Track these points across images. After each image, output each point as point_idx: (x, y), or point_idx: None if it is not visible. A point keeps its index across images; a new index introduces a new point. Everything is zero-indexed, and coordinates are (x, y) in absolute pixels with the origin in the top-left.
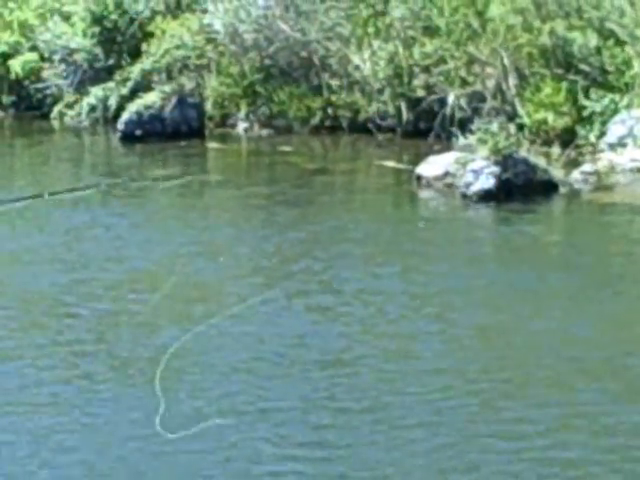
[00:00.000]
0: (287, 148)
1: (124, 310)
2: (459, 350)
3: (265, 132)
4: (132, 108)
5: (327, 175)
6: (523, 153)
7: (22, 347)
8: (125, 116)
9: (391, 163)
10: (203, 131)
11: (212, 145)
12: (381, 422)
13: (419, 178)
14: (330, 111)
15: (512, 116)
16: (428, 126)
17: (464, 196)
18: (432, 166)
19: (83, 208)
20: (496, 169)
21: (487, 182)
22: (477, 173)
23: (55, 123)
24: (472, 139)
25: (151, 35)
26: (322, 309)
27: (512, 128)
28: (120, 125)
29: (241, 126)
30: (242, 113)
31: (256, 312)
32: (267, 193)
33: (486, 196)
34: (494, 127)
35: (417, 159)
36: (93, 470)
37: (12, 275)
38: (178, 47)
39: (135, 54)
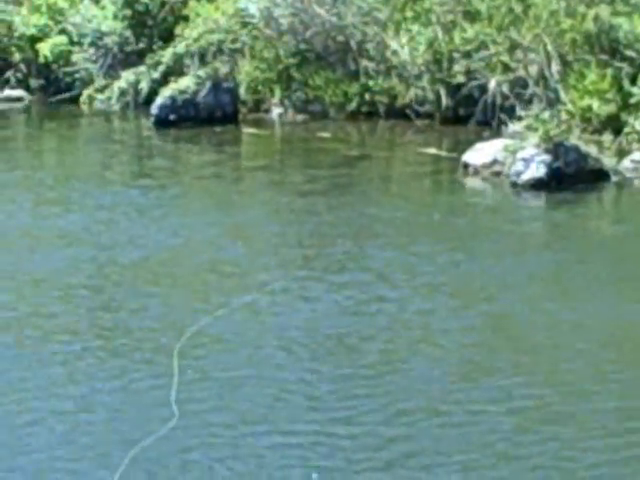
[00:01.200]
0: (325, 134)
1: (147, 290)
2: (488, 339)
3: (300, 118)
4: (166, 93)
5: (368, 162)
6: (574, 141)
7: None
8: (159, 101)
9: (432, 150)
10: (237, 116)
11: (248, 130)
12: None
13: (466, 166)
14: (367, 97)
15: (555, 103)
16: (468, 112)
17: (514, 185)
18: (479, 153)
19: (115, 187)
20: (547, 157)
21: (538, 171)
22: (527, 161)
23: (84, 107)
24: (519, 126)
25: (184, 19)
26: (355, 296)
27: (563, 115)
28: (154, 110)
29: (275, 111)
30: (276, 98)
31: (282, 295)
32: (307, 179)
33: (537, 185)
34: (545, 114)
35: (458, 146)
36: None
37: (35, 253)
38: (213, 31)
39: (167, 38)
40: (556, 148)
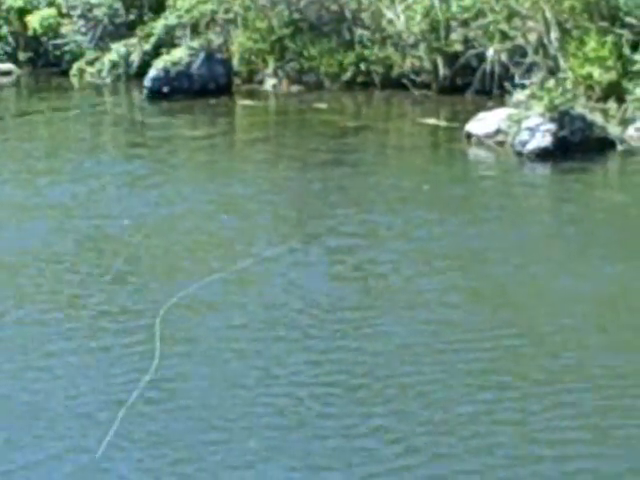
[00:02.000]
0: (321, 105)
1: (134, 259)
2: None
3: (295, 88)
4: (159, 65)
5: (368, 133)
6: (579, 109)
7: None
8: (152, 73)
9: (432, 120)
10: (231, 88)
11: (243, 102)
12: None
13: (469, 136)
14: (362, 66)
15: (554, 71)
16: (465, 82)
17: (519, 154)
18: (482, 123)
19: (106, 158)
20: (552, 126)
21: (543, 140)
22: (533, 131)
23: (75, 80)
24: (522, 95)
25: None
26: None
27: (568, 84)
28: (147, 82)
29: (269, 82)
30: (270, 69)
31: (271, 264)
32: (305, 151)
33: (542, 154)
34: (550, 83)
35: (458, 116)
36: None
37: (23, 223)
38: (205, 1)
39: (157, 9)
40: (561, 117)
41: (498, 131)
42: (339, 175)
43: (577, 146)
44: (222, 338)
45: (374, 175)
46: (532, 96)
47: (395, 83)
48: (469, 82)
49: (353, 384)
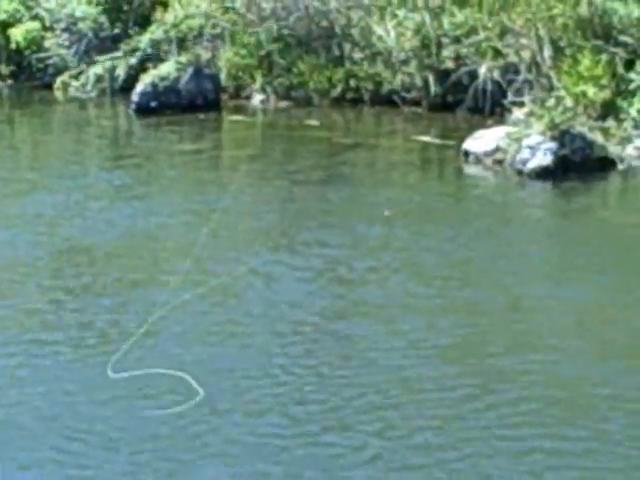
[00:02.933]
0: (312, 122)
1: (116, 270)
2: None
3: (283, 104)
4: (146, 79)
5: (361, 150)
6: (579, 128)
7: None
8: (139, 87)
9: (426, 138)
10: (219, 103)
11: (233, 117)
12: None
13: (466, 153)
14: (352, 83)
15: (548, 89)
16: (456, 99)
17: (519, 173)
18: (480, 141)
19: (93, 172)
20: (553, 145)
21: (545, 159)
22: (534, 149)
23: (58, 94)
24: (520, 113)
25: (160, 3)
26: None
27: (568, 102)
28: (134, 96)
29: (257, 98)
30: (257, 84)
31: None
32: (299, 169)
33: (543, 173)
34: (550, 101)
35: (452, 134)
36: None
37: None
38: (193, 16)
39: (142, 23)
40: (562, 135)
41: (497, 149)
42: (330, 191)
43: (577, 165)
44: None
45: (367, 192)
46: (531, 114)
47: (385, 100)
48: (460, 99)
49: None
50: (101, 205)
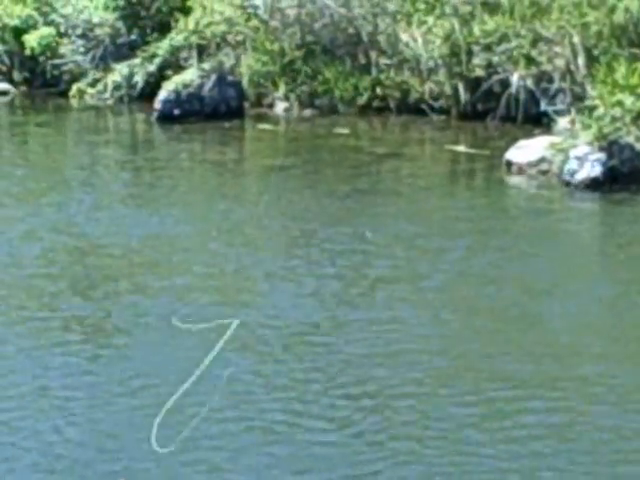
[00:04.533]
0: (343, 130)
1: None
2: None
3: (308, 112)
4: (169, 86)
5: (398, 160)
6: (628, 138)
7: None
8: (162, 95)
9: (461, 147)
10: (243, 111)
11: (260, 126)
12: None
13: (509, 164)
14: (378, 91)
15: (582, 97)
16: (487, 107)
17: (567, 184)
18: (524, 151)
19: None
20: (601, 156)
21: (593, 170)
22: (582, 160)
23: (74, 101)
24: (563, 122)
25: (179, 10)
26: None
27: (618, 112)
28: (157, 104)
29: (280, 106)
30: (280, 92)
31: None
32: (341, 179)
33: (592, 184)
34: (600, 111)
35: (486, 143)
36: None
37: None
38: (217, 22)
39: (160, 30)
40: (610, 146)
41: (541, 160)
42: (377, 204)
43: (626, 176)
44: None
45: (410, 204)
46: (573, 123)
47: (412, 108)
48: (490, 108)
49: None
50: (121, 211)
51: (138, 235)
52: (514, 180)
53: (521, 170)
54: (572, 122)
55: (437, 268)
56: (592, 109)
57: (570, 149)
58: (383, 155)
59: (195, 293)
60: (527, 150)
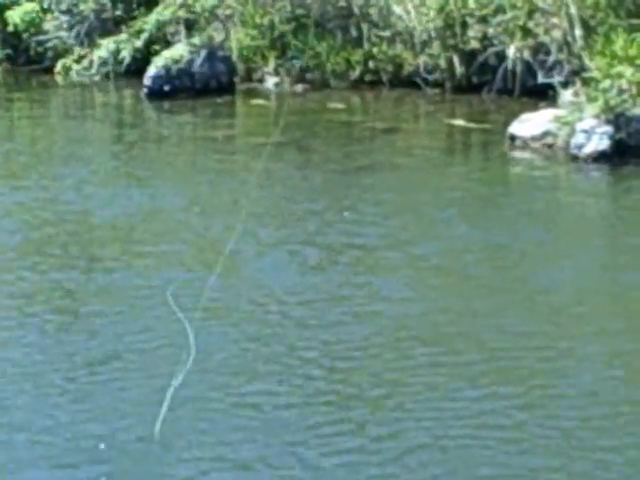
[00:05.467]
0: (338, 105)
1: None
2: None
3: (300, 87)
4: (159, 62)
5: (398, 135)
6: (636, 110)
7: None
8: (151, 71)
9: (460, 121)
10: (234, 86)
11: (253, 102)
12: None
13: (513, 138)
14: (371, 65)
15: (579, 70)
16: (482, 80)
17: (574, 158)
18: (528, 125)
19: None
20: (609, 129)
21: (601, 143)
22: (589, 133)
23: (59, 78)
24: (566, 95)
25: None
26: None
27: (624, 84)
28: (147, 80)
29: (270, 81)
30: (270, 67)
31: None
32: (343, 155)
33: (599, 158)
34: (605, 83)
35: (486, 116)
36: None
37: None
38: None
39: (147, 4)
40: (617, 118)
41: (546, 133)
42: (381, 181)
43: (634, 149)
44: None
45: (415, 179)
46: (587, 97)
47: (405, 82)
48: (486, 81)
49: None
50: (110, 186)
51: (125, 209)
52: (518, 154)
53: (525, 144)
54: (576, 94)
55: (431, 236)
56: (598, 81)
57: (576, 122)
58: (382, 130)
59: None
60: (531, 124)
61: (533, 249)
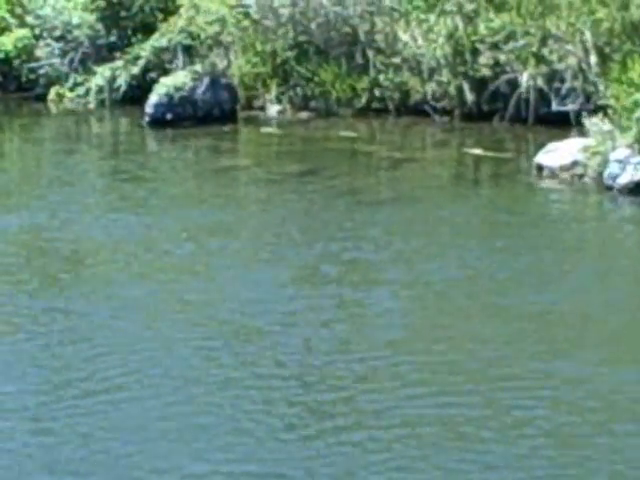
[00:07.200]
0: (349, 133)
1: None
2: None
3: (304, 115)
4: (160, 90)
5: (417, 164)
6: None
7: None
8: (154, 98)
9: (478, 151)
10: (236, 114)
11: (263, 130)
12: None
13: (540, 168)
14: (377, 92)
15: (594, 98)
16: (492, 108)
17: (609, 188)
18: (555, 155)
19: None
20: None
21: (637, 174)
22: (623, 163)
23: (52, 106)
24: (589, 123)
25: (160, 10)
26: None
27: None
28: (148, 108)
29: (273, 109)
30: (272, 94)
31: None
32: (364, 187)
33: (635, 189)
34: (639, 113)
35: (503, 145)
36: None
37: None
38: (211, 22)
39: (143, 31)
40: None
41: (575, 163)
42: (409, 214)
43: None
44: None
45: (447, 212)
46: (621, 127)
47: (412, 109)
48: (497, 109)
49: None
50: (99, 218)
51: (113, 237)
52: (547, 184)
53: (553, 174)
54: (599, 123)
55: (457, 266)
56: (631, 110)
57: (609, 152)
58: (400, 160)
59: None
60: (558, 153)
61: (561, 277)
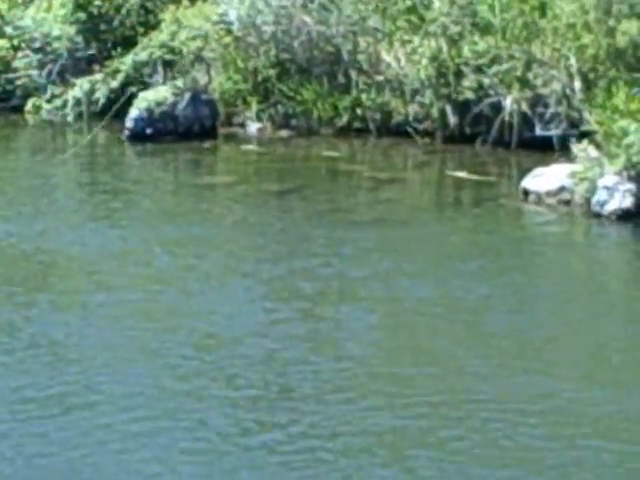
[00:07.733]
0: (333, 153)
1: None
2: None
3: (285, 133)
4: (141, 104)
5: (405, 186)
6: None
7: None
8: (134, 112)
9: (462, 173)
10: (216, 131)
11: (244, 147)
12: None
13: (526, 192)
14: (359, 112)
15: (578, 123)
16: (474, 131)
17: (597, 215)
18: (541, 179)
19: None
20: (632, 186)
21: (625, 200)
22: (611, 190)
23: (29, 117)
24: (576, 149)
25: (141, 24)
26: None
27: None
28: (128, 122)
29: (253, 126)
30: (253, 112)
31: None
32: (352, 206)
33: (623, 216)
34: (630, 139)
35: (486, 169)
36: None
37: None
38: (195, 37)
39: (123, 44)
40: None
41: (562, 189)
42: (386, 234)
43: None
44: None
45: (431, 235)
46: (610, 153)
47: (393, 130)
48: (479, 132)
49: None
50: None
51: (85, 249)
52: (533, 209)
53: (540, 199)
54: (585, 149)
55: (430, 286)
56: (620, 137)
57: (597, 178)
58: (382, 180)
59: None
60: (545, 178)
61: (537, 299)
